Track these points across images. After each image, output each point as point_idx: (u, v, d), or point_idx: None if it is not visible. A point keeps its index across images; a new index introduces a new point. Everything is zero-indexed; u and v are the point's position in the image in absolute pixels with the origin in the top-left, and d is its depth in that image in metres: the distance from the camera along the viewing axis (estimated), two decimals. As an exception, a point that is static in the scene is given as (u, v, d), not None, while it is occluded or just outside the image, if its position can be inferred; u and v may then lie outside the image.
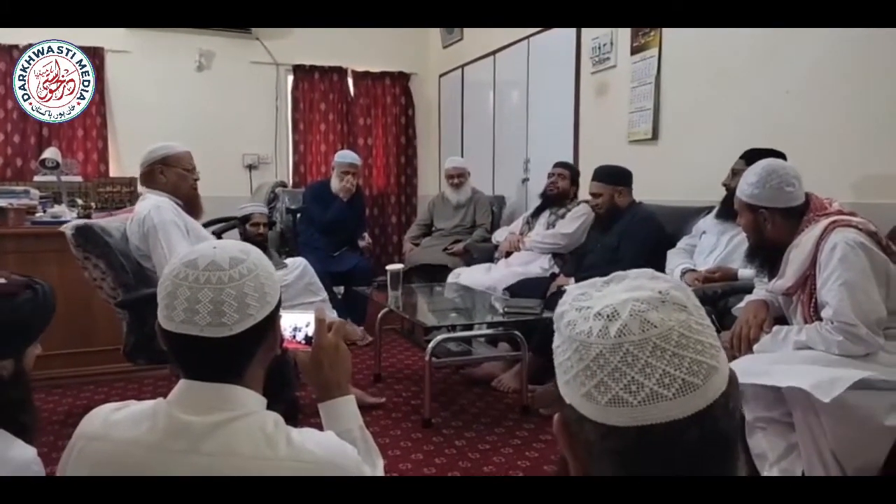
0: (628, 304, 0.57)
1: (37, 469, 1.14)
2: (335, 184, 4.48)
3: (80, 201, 4.07)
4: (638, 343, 0.55)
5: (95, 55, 5.18)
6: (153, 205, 2.46)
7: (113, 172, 5.22)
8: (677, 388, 0.54)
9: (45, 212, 3.61)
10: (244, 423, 0.93)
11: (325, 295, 3.46)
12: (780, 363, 1.78)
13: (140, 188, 2.76)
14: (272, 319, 1.00)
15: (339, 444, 0.99)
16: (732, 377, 0.59)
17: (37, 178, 4.60)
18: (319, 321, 1.20)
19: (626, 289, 0.61)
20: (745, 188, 1.98)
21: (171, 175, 2.58)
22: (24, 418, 1.19)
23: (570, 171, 3.95)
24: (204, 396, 0.94)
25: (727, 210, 2.60)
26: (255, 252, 1.01)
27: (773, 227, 1.96)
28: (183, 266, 0.95)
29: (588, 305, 0.60)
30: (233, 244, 1.01)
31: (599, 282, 0.64)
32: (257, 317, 0.95)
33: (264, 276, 0.98)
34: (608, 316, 0.57)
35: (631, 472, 0.57)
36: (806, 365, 1.73)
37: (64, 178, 4.43)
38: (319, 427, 1.12)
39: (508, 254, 4.01)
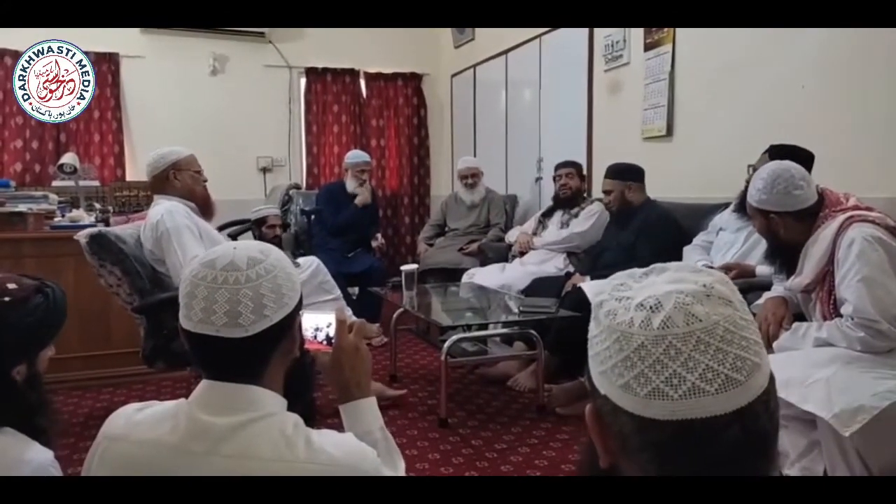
0: (672, 296, 0.56)
1: (54, 471, 1.14)
2: (350, 185, 4.50)
3: (97, 205, 4.12)
4: (682, 336, 0.54)
5: (110, 60, 5.25)
6: (166, 209, 2.49)
7: (129, 176, 5.27)
8: (720, 383, 0.53)
9: (63, 216, 3.65)
10: (264, 424, 0.93)
11: (338, 293, 3.47)
12: (801, 365, 1.75)
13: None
14: (290, 320, 0.99)
15: (358, 447, 0.98)
16: (773, 375, 0.58)
17: (55, 183, 4.66)
18: (340, 322, 1.19)
19: (669, 280, 0.60)
20: (754, 194, 1.96)
21: (185, 178, 2.62)
22: (40, 421, 1.19)
23: (577, 169, 3.94)
24: (224, 397, 0.95)
25: (745, 205, 2.57)
26: (275, 253, 1.00)
27: (786, 230, 1.94)
28: (202, 266, 0.96)
29: (629, 296, 0.59)
30: (253, 244, 1.01)
31: (639, 272, 0.63)
32: (274, 318, 0.95)
33: (282, 277, 0.98)
34: (651, 307, 0.56)
35: (667, 467, 0.56)
36: (827, 368, 1.70)
37: (81, 183, 4.49)
38: (338, 428, 1.12)
39: (522, 253, 4.00)
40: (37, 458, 1.12)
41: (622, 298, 0.60)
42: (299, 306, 1.02)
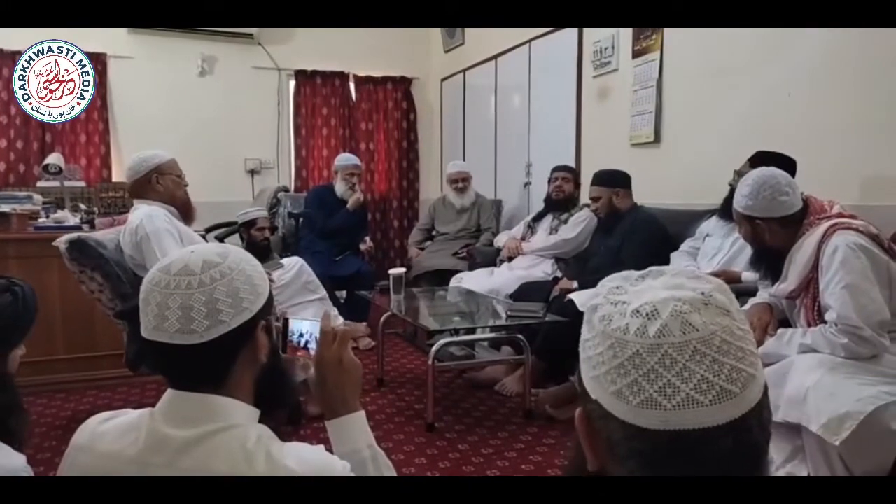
0: (669, 303, 0.55)
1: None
2: (340, 188, 4.50)
3: (83, 206, 4.08)
4: (678, 346, 0.54)
5: (98, 60, 5.19)
6: (145, 214, 2.46)
7: (115, 177, 5.21)
8: (714, 394, 0.53)
9: (48, 217, 3.61)
10: (224, 437, 0.89)
11: (323, 293, 3.46)
12: (787, 373, 1.76)
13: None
14: (252, 326, 0.94)
15: (323, 462, 0.92)
16: (766, 386, 0.57)
17: (40, 184, 4.61)
18: (323, 334, 1.12)
19: (665, 286, 0.59)
20: (740, 200, 1.98)
21: (168, 182, 2.58)
22: (11, 422, 1.16)
23: (573, 175, 3.97)
24: (187, 408, 0.91)
25: (729, 209, 2.59)
26: (234, 255, 0.96)
27: (771, 236, 1.96)
28: (157, 271, 0.93)
29: (624, 301, 0.58)
30: (211, 248, 0.97)
31: (635, 275, 0.62)
32: (231, 323, 0.91)
33: (241, 280, 0.93)
34: (647, 314, 0.55)
35: (655, 475, 0.55)
36: (812, 374, 1.71)
37: (67, 184, 4.45)
38: (324, 430, 1.11)
39: (511, 258, 4.01)
40: (9, 464, 1.09)
41: (618, 303, 0.59)
42: (265, 310, 0.97)
